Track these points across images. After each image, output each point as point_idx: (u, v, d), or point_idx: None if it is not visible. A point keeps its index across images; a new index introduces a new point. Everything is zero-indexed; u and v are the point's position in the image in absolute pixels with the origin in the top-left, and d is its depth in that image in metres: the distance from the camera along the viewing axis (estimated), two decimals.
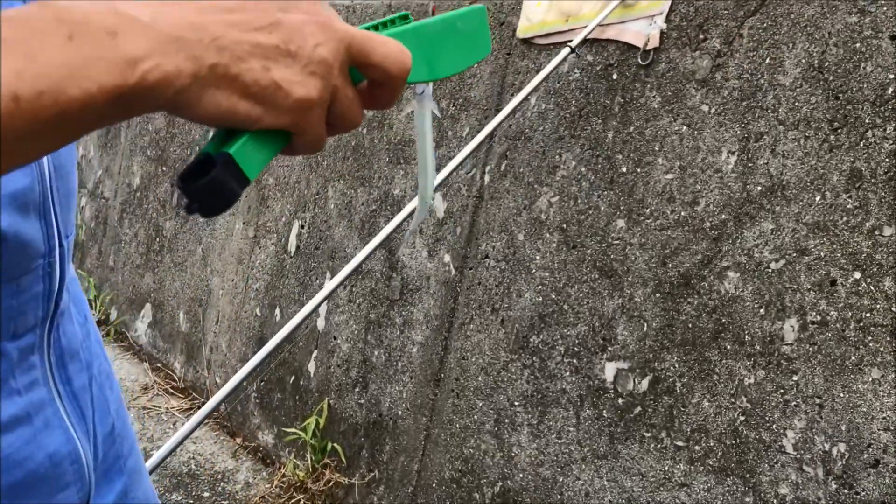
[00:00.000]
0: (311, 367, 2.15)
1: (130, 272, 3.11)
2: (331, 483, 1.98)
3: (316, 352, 2.14)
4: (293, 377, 2.19)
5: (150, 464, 1.00)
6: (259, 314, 2.38)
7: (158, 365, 2.84)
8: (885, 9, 1.15)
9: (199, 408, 1.82)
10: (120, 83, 0.35)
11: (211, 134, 0.47)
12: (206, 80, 0.38)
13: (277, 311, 2.31)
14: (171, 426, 2.45)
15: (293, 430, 2.08)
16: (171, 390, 2.67)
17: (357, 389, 2.01)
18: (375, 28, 0.49)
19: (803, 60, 1.23)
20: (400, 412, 1.88)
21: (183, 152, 2.87)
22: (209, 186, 0.40)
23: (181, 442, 1.09)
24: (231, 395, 1.25)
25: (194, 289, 2.71)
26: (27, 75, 0.33)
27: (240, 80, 0.39)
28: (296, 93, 0.41)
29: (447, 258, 1.79)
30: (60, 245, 0.57)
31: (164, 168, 2.98)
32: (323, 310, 2.12)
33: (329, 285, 1.31)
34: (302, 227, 2.27)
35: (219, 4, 0.40)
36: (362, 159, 2.08)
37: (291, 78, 0.40)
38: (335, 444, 2.01)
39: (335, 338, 2.09)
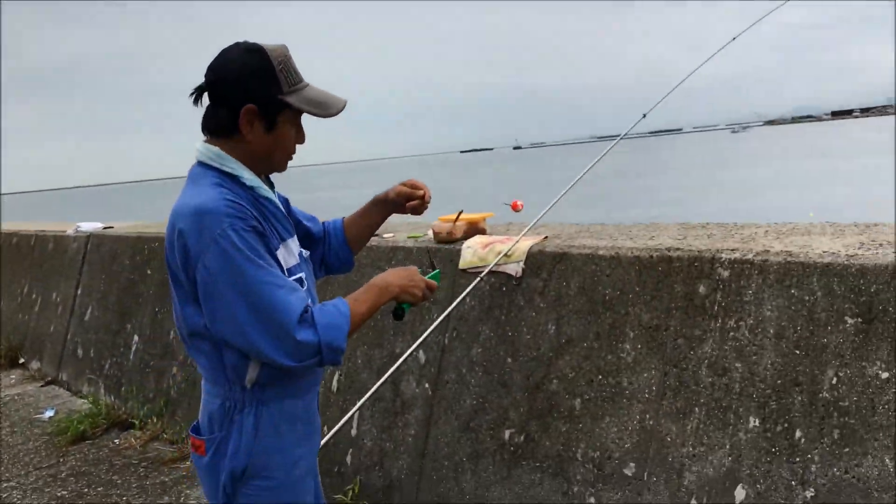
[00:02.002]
0: (349, 459, 3.58)
1: None
2: None
3: (351, 449, 3.58)
4: (337, 467, 3.61)
5: None
6: None
7: None
8: (613, 269, 2.73)
9: None
10: (388, 298, 1.99)
11: (395, 306, 2.06)
12: (401, 293, 2.01)
13: (326, 427, 3.75)
14: None
15: (339, 496, 3.47)
16: None
17: (377, 468, 3.43)
18: (425, 273, 2.12)
19: (579, 283, 2.80)
20: (403, 476, 3.30)
21: None
22: (400, 316, 2.06)
23: None
24: None
25: None
26: (372, 308, 1.95)
27: (407, 293, 2.02)
28: (417, 296, 2.03)
29: (426, 385, 3.29)
30: None
31: None
32: (355, 423, 3.57)
33: (372, 388, 2.80)
34: (340, 375, 3.77)
35: (399, 276, 2.04)
36: (376, 333, 3.62)
37: (416, 293, 2.03)
38: (364, 502, 3.41)
39: (362, 439, 3.54)
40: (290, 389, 1.99)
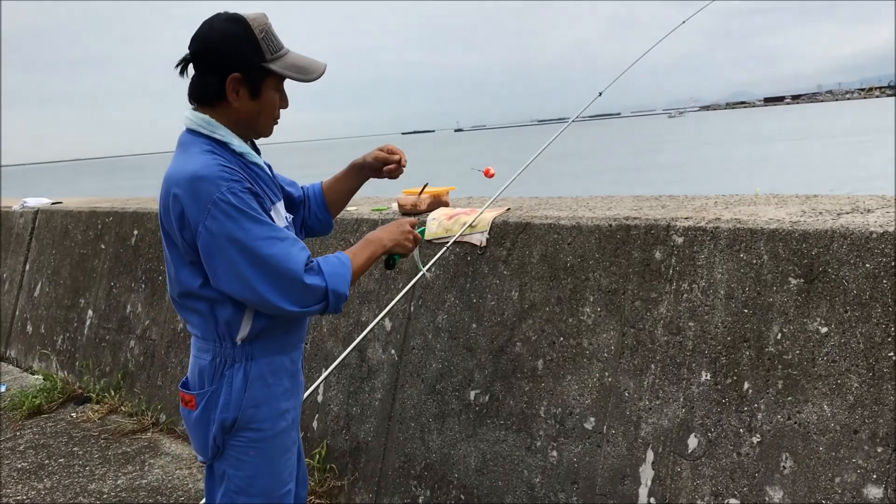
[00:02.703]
0: (315, 424, 3.69)
1: (177, 388, 4.57)
2: (331, 486, 3.47)
3: (317, 415, 3.69)
4: (304, 432, 3.71)
5: None
6: None
7: None
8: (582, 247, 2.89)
9: None
10: (382, 251, 2.13)
11: (386, 257, 2.24)
12: (394, 246, 2.17)
13: None
14: None
15: (307, 459, 3.57)
16: None
17: (343, 432, 3.55)
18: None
19: (541, 252, 2.96)
20: (370, 439, 3.43)
21: None
22: (392, 266, 2.25)
23: None
24: None
25: None
26: (369, 259, 2.09)
27: (398, 246, 2.18)
28: (407, 247, 2.19)
29: (393, 351, 3.42)
30: None
31: None
32: (321, 390, 3.68)
33: (339, 358, 2.91)
34: (306, 343, 3.86)
35: (391, 232, 2.20)
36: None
37: (406, 245, 2.20)
38: (332, 465, 3.52)
39: (329, 405, 3.65)
40: (278, 346, 2.10)
